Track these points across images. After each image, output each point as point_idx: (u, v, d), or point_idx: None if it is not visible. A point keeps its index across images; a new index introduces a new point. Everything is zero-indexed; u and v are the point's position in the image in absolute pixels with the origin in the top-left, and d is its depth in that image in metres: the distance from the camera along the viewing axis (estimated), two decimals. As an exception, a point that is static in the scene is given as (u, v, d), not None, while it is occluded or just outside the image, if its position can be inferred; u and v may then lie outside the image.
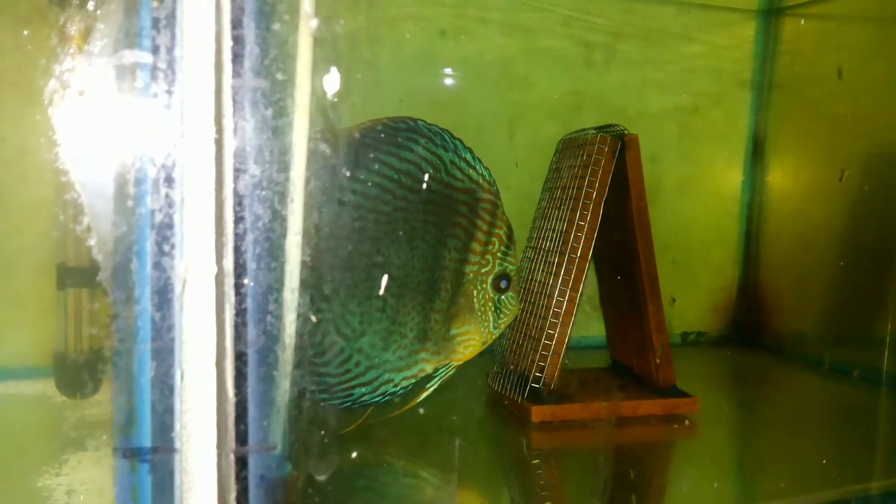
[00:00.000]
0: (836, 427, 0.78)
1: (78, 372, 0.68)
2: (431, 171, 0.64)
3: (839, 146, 0.94)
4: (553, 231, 0.77)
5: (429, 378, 0.66)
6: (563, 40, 1.00)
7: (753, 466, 0.69)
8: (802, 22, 1.00)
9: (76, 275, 0.66)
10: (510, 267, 0.67)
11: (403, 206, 0.64)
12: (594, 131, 0.76)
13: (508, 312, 0.68)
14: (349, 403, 0.64)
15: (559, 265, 0.74)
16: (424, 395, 0.66)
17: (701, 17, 1.04)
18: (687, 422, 0.73)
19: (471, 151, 0.65)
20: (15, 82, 0.67)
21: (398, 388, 0.65)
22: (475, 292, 0.67)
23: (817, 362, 0.97)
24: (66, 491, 0.53)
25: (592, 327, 0.92)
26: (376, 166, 0.63)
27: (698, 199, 1.09)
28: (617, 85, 1.03)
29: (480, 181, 0.66)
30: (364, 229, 0.63)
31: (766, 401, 0.88)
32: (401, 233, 0.64)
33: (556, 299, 0.73)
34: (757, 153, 1.08)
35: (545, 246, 0.77)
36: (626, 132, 0.75)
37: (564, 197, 0.76)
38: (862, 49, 0.94)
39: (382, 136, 0.63)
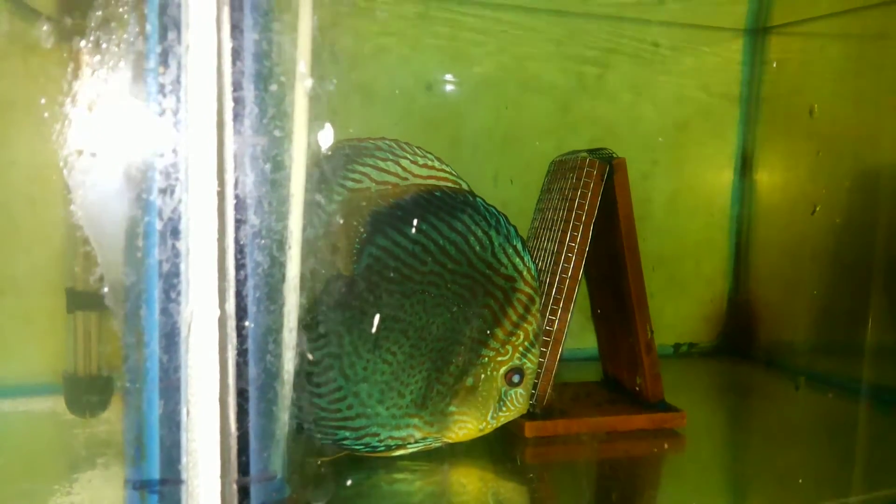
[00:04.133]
0: (823, 440, 0.80)
1: (87, 393, 0.70)
2: (479, 248, 0.65)
3: (823, 162, 0.96)
4: (545, 251, 0.79)
5: (414, 442, 0.66)
6: (555, 60, 1.02)
7: (737, 481, 0.71)
8: (774, 64, 1.02)
9: (85, 299, 0.69)
10: (528, 364, 0.67)
11: (439, 271, 0.65)
12: (584, 154, 0.79)
13: (513, 409, 0.68)
14: (330, 442, 0.64)
15: (550, 285, 0.76)
16: (399, 452, 0.66)
17: (689, 35, 1.07)
18: (666, 445, 0.75)
19: (522, 241, 0.66)
20: (25, 115, 0.69)
21: (381, 444, 0.65)
22: (484, 377, 0.67)
23: (807, 374, 1.00)
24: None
25: (586, 339, 0.94)
26: (424, 227, 0.64)
27: (688, 212, 1.11)
28: (608, 103, 1.05)
29: (524, 273, 0.67)
30: (394, 282, 0.64)
31: (754, 413, 0.90)
32: (428, 297, 0.65)
33: (548, 318, 0.75)
34: (745, 168, 1.11)
35: (537, 266, 0.80)
36: (614, 155, 0.77)
37: (555, 218, 0.79)
38: (845, 65, 0.96)
39: (439, 201, 0.65)
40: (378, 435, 0.65)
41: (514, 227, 0.67)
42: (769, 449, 0.76)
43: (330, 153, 0.65)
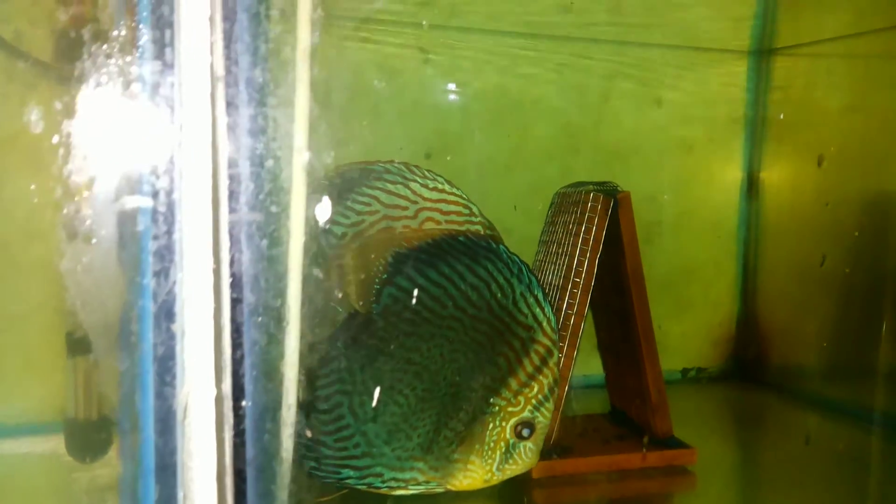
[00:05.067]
0: (840, 474, 0.78)
1: (87, 438, 0.69)
2: (500, 295, 0.64)
3: (825, 197, 0.95)
4: (549, 286, 0.78)
5: (417, 485, 0.65)
6: (559, 85, 1.02)
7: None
8: (781, 116, 1.01)
9: (85, 345, 0.68)
10: (540, 419, 0.65)
11: (458, 316, 0.64)
12: (590, 187, 0.78)
13: (520, 462, 0.66)
14: (332, 480, 0.63)
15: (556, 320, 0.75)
16: (401, 492, 0.65)
17: (693, 57, 1.06)
18: (676, 485, 0.74)
19: (543, 291, 0.65)
20: (21, 153, 0.69)
21: (384, 485, 0.64)
22: (492, 426, 0.65)
23: (818, 400, 0.98)
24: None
25: (592, 366, 0.93)
26: (446, 270, 0.63)
27: (695, 235, 1.10)
28: (612, 127, 1.04)
29: (544, 324, 0.65)
30: (413, 324, 0.63)
31: (767, 446, 0.89)
32: (446, 341, 0.64)
33: (554, 354, 0.74)
34: (752, 190, 1.09)
35: (542, 300, 0.79)
36: (618, 189, 0.76)
37: (560, 252, 0.78)
38: (852, 86, 0.95)
39: (462, 246, 0.64)
40: (382, 475, 0.64)
41: (536, 278, 0.65)
42: (784, 486, 0.75)
43: (339, 176, 0.64)
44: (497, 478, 0.66)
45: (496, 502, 0.72)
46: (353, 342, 0.63)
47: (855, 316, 0.93)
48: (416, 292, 0.63)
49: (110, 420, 0.68)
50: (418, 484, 0.65)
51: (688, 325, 1.11)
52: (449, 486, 0.66)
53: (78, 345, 0.68)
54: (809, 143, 0.99)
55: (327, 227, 0.62)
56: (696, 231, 1.11)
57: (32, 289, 0.76)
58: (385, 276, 0.64)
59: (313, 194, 0.36)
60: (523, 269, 0.65)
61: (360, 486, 0.64)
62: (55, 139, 0.33)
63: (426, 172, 0.66)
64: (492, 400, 0.65)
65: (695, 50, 1.05)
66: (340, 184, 0.64)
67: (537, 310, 0.65)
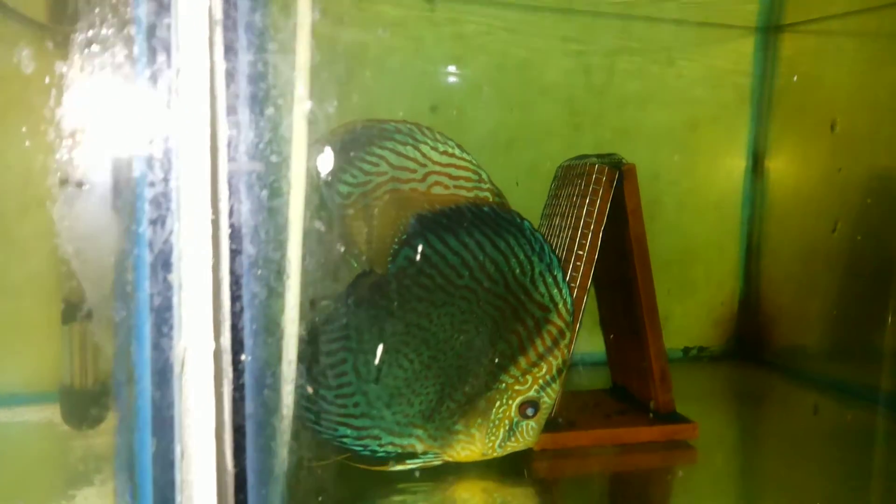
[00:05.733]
0: (842, 453, 0.78)
1: (83, 405, 0.69)
2: (518, 271, 0.63)
3: (838, 162, 0.94)
4: (552, 259, 0.77)
5: (414, 455, 0.64)
6: (562, 60, 1.00)
7: (751, 498, 0.69)
8: (795, 78, 1.00)
9: (80, 310, 0.67)
10: (546, 399, 0.65)
11: (473, 287, 0.63)
12: (594, 159, 0.77)
13: (521, 440, 0.65)
14: (329, 437, 0.62)
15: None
16: (399, 467, 0.64)
17: (699, 34, 1.04)
18: (678, 459, 0.74)
19: (563, 272, 0.64)
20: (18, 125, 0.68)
21: (381, 449, 0.63)
22: (498, 403, 0.64)
23: (820, 379, 0.98)
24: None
25: (594, 342, 0.92)
26: (466, 239, 0.62)
27: (699, 214, 1.09)
28: (616, 103, 1.03)
29: (560, 305, 0.64)
30: (427, 289, 0.63)
31: (768, 423, 0.88)
32: (458, 311, 0.63)
33: (556, 328, 0.73)
34: (757, 168, 1.08)
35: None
36: (623, 162, 0.75)
37: (563, 225, 0.77)
38: (861, 62, 0.94)
39: (487, 217, 0.63)
40: (379, 439, 0.64)
41: (557, 258, 0.64)
42: (785, 463, 0.74)
43: (348, 131, 0.63)
44: (497, 454, 0.66)
45: (496, 474, 0.71)
46: (363, 300, 0.63)
47: (859, 295, 0.93)
48: (433, 257, 0.62)
49: (106, 386, 0.67)
50: (416, 454, 0.65)
51: (690, 305, 1.10)
52: (447, 457, 0.65)
53: (74, 311, 0.68)
54: (817, 121, 0.98)
55: (333, 185, 0.61)
56: (700, 210, 1.10)
57: (27, 249, 0.76)
58: (404, 237, 0.63)
59: (316, 144, 0.35)
60: (545, 247, 0.64)
61: (356, 448, 0.63)
62: (46, 80, 0.32)
63: (437, 135, 0.65)
64: (501, 377, 0.64)
65: (702, 26, 1.04)
66: (348, 141, 0.63)
67: (555, 290, 0.64)
